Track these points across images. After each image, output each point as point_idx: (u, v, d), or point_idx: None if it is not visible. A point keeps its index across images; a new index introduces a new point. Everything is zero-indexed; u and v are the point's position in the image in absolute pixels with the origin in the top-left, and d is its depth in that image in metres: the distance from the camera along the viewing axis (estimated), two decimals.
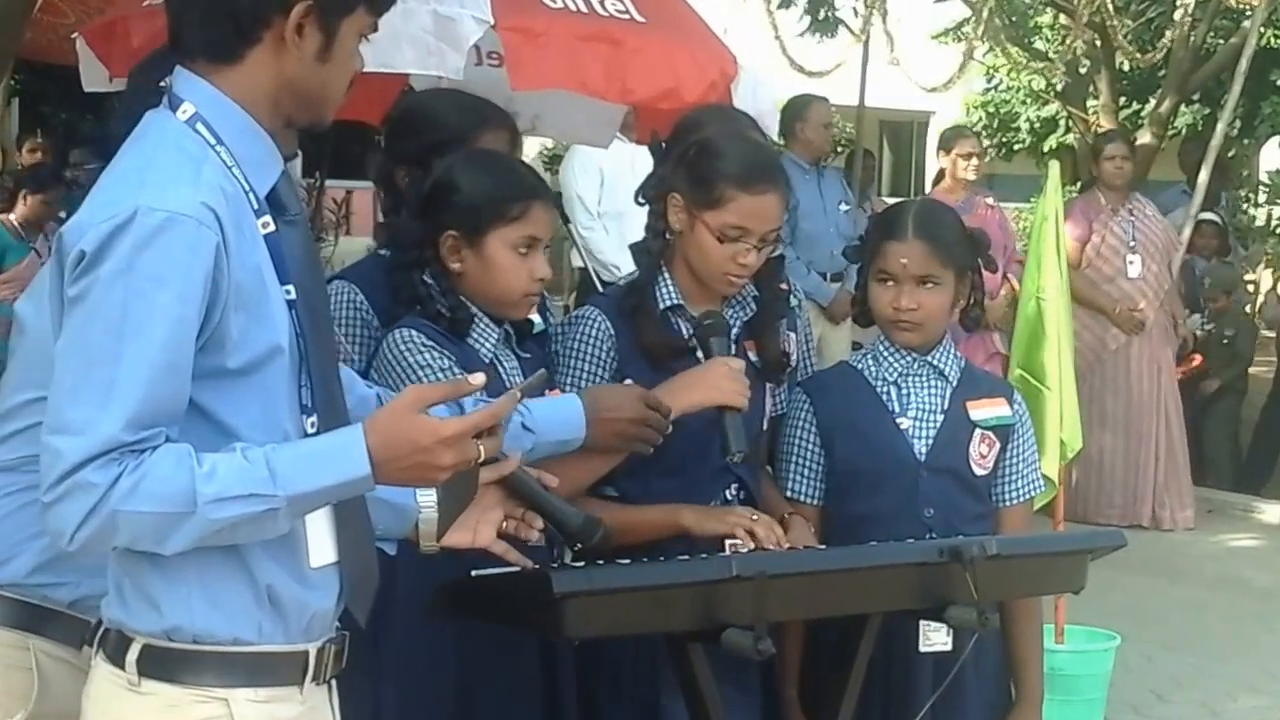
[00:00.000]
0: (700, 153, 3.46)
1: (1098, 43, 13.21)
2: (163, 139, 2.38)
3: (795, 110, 9.18)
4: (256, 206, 2.41)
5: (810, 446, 3.65)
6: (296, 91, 2.45)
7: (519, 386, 2.79)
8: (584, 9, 5.23)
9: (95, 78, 5.51)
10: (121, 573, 2.41)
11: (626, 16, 5.29)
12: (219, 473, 2.26)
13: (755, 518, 3.30)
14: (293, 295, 2.42)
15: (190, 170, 2.33)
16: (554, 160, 17.46)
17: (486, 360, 3.29)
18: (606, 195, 8.56)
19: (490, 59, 5.44)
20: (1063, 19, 13.61)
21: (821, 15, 14.75)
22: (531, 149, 16.82)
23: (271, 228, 2.42)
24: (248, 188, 2.40)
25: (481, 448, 2.39)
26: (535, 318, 3.56)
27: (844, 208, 9.18)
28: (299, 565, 2.44)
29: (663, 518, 3.38)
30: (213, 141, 2.39)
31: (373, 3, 2.49)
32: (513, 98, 4.76)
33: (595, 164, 8.38)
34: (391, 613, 3.23)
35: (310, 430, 2.44)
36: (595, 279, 8.23)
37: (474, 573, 2.91)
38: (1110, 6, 11.84)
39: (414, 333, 3.24)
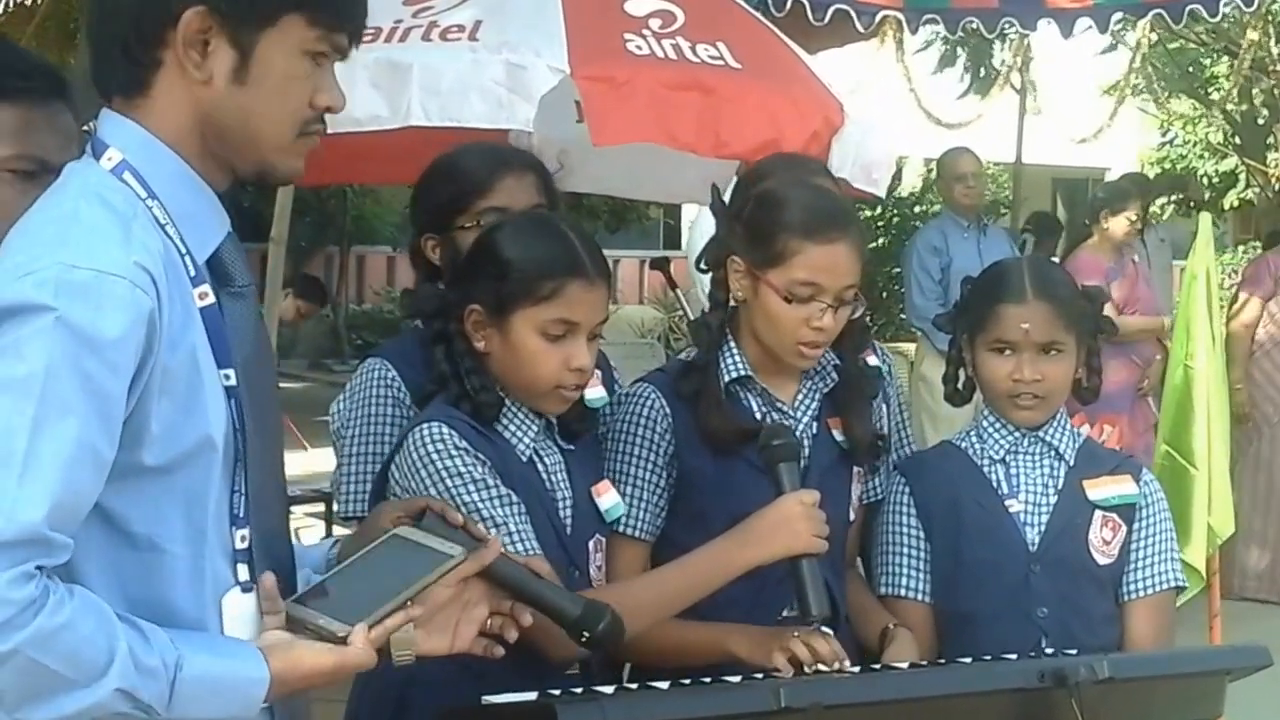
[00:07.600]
0: (758, 205, 3.05)
1: (1276, 91, 12.53)
2: (85, 191, 2.00)
3: (938, 167, 9.12)
4: (193, 274, 2.02)
5: (911, 535, 3.23)
6: (215, 124, 2.05)
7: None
8: (673, 56, 4.78)
9: None
10: None
11: (721, 63, 4.84)
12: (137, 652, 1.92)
13: (796, 634, 2.80)
14: (233, 381, 2.04)
15: (119, 227, 1.95)
16: None
17: (524, 458, 2.86)
18: None
19: None
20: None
21: (981, 73, 14.39)
22: None
23: (210, 300, 2.04)
24: (184, 250, 2.02)
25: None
26: (597, 392, 3.12)
27: None
28: None
29: (712, 641, 2.91)
30: (143, 194, 2.00)
31: (316, 10, 2.06)
32: (604, 152, 4.39)
33: None
34: None
35: (240, 545, 2.06)
36: None
37: (484, 699, 2.46)
38: (1275, 50, 11.15)
39: (444, 430, 2.80)
